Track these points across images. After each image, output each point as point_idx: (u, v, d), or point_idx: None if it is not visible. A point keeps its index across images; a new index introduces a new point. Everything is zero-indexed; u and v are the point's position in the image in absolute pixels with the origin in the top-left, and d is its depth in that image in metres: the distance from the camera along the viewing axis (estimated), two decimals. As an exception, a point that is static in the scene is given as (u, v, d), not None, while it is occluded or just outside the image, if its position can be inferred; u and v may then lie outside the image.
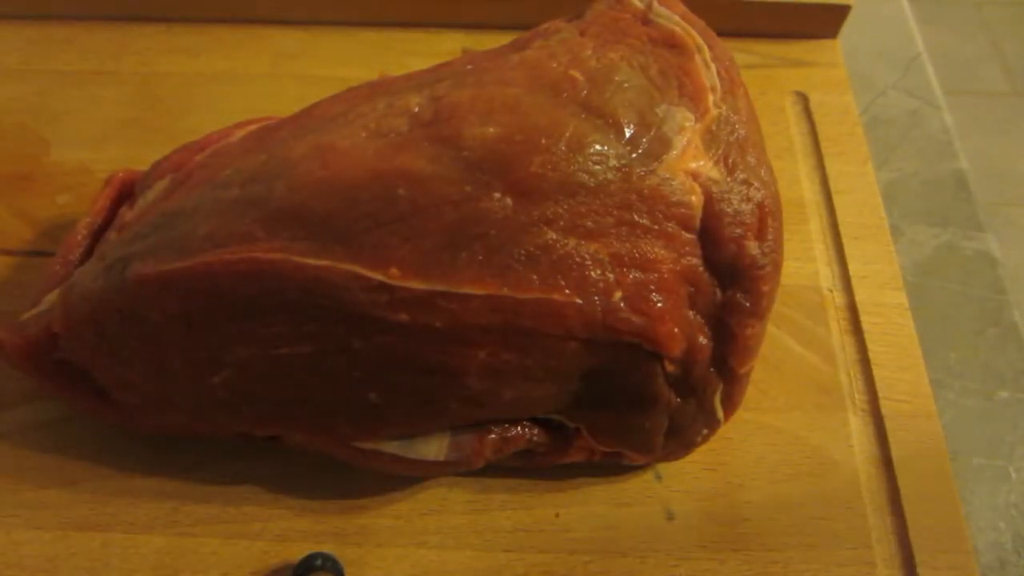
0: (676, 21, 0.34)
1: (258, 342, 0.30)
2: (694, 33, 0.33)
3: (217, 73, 0.50)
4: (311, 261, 0.28)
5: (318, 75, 0.50)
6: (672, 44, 0.33)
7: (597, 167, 0.29)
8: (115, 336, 0.31)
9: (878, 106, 0.52)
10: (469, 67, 0.33)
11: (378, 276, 0.28)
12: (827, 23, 0.52)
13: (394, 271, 0.28)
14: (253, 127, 0.36)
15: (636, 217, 0.29)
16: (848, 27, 0.52)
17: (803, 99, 0.49)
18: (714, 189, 0.30)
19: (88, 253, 0.36)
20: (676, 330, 0.29)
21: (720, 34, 0.35)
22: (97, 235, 0.36)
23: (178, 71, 0.50)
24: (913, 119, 0.51)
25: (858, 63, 0.53)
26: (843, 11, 0.51)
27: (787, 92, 0.50)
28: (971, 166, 0.49)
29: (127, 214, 0.35)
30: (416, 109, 0.30)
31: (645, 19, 0.34)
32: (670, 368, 0.30)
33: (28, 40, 0.52)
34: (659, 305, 0.29)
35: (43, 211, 0.44)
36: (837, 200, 0.44)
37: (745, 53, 0.51)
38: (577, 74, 0.31)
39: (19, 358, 0.33)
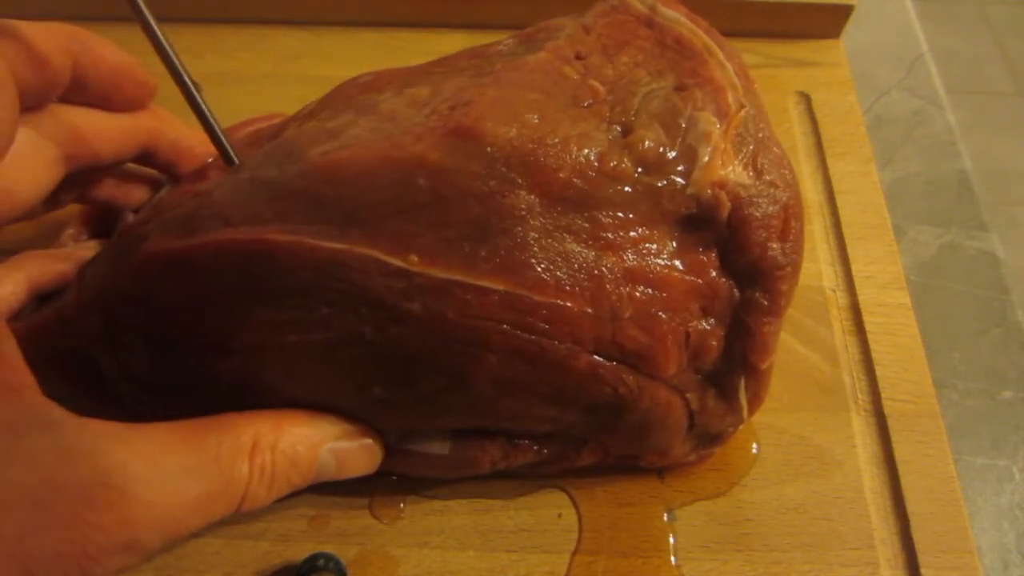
0: (683, 23, 0.33)
1: (267, 327, 0.29)
2: (702, 34, 0.33)
3: (220, 73, 0.50)
4: (327, 244, 0.28)
5: (321, 75, 0.49)
6: (683, 47, 0.33)
7: (626, 187, 0.28)
8: (122, 320, 0.31)
9: (881, 106, 0.51)
10: (475, 62, 0.33)
11: (397, 262, 0.27)
12: (830, 23, 0.52)
13: (414, 258, 0.27)
14: (256, 127, 0.37)
15: (658, 235, 0.29)
16: (851, 27, 0.52)
17: (806, 99, 0.49)
18: (743, 194, 0.29)
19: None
20: (674, 350, 0.29)
21: (722, 34, 0.35)
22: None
23: (181, 71, 0.50)
24: (916, 119, 0.51)
25: (861, 63, 0.53)
26: (846, 11, 0.51)
27: (790, 92, 0.50)
28: (974, 166, 0.49)
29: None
30: (427, 100, 0.30)
31: (650, 22, 0.34)
32: (675, 380, 0.30)
33: (31, 40, 0.52)
34: (664, 325, 0.29)
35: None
36: (840, 200, 0.44)
37: (747, 53, 0.50)
38: (597, 84, 0.30)
39: (26, 344, 0.33)
